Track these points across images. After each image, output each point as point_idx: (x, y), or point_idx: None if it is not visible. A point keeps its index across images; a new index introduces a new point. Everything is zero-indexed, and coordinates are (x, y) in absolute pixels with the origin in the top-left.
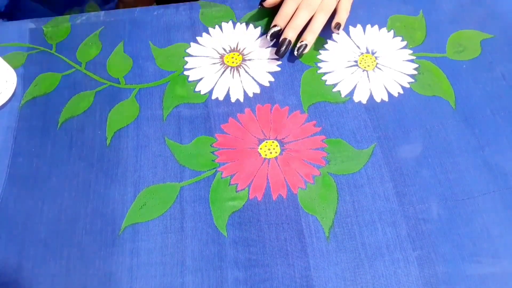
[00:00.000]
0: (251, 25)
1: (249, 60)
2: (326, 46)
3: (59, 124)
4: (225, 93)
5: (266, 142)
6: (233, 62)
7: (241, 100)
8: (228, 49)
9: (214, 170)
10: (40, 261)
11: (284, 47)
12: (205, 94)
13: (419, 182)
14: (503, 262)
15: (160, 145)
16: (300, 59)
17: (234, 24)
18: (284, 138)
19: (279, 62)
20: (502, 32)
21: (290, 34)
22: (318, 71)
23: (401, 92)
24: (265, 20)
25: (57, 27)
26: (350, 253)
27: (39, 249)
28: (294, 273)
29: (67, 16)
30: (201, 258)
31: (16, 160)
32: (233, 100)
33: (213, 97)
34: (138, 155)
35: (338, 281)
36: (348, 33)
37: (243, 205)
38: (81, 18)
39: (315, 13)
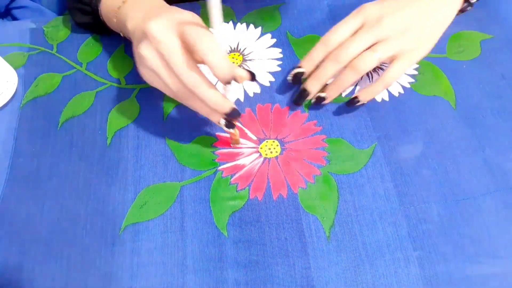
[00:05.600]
0: (251, 25)
1: (249, 60)
2: None
3: (59, 124)
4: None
5: (267, 141)
6: (233, 62)
7: (242, 99)
8: (228, 49)
9: (215, 169)
10: (40, 260)
11: (303, 99)
12: None
13: (420, 182)
14: (504, 262)
15: (161, 144)
16: (301, 59)
17: (235, 24)
18: (284, 138)
19: (280, 62)
20: (502, 32)
21: (312, 88)
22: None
23: (402, 92)
24: (266, 20)
25: (58, 27)
26: (351, 253)
27: (40, 249)
28: (295, 273)
29: (68, 16)
30: (201, 258)
31: (17, 160)
32: (232, 99)
33: None
34: (139, 155)
35: (339, 280)
36: None
37: (244, 205)
38: None
39: (345, 69)
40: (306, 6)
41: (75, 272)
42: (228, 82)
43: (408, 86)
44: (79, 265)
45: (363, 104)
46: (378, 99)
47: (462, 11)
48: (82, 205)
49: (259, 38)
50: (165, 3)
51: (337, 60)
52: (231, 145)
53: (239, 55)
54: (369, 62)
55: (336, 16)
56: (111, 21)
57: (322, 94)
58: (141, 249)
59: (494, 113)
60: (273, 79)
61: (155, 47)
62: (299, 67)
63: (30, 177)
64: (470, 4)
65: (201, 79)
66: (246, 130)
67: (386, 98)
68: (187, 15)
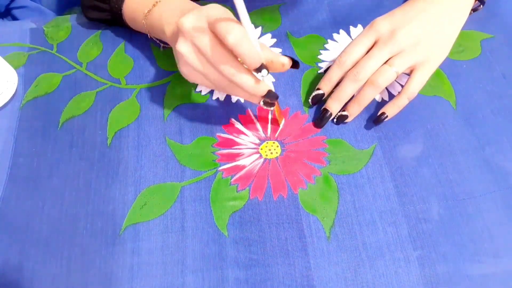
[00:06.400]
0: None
1: None
2: (326, 46)
3: (60, 124)
4: (225, 93)
5: (267, 142)
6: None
7: (242, 100)
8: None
9: (215, 170)
10: (41, 260)
11: (325, 120)
12: (206, 94)
13: (420, 182)
14: (504, 262)
15: (161, 145)
16: (301, 59)
17: None
18: (284, 139)
19: None
20: (502, 32)
21: (333, 107)
22: (319, 71)
23: None
24: (266, 20)
25: (58, 27)
26: (351, 253)
27: (40, 249)
28: (295, 272)
29: (68, 16)
30: (201, 257)
31: (17, 160)
32: (233, 100)
33: (214, 97)
34: (139, 155)
35: (339, 280)
36: (348, 33)
37: (244, 205)
38: (82, 18)
39: (364, 85)
40: (306, 6)
41: (75, 272)
42: (258, 70)
43: None
44: (79, 265)
45: (387, 117)
46: (378, 99)
47: (474, 10)
48: (82, 205)
49: (259, 38)
50: (196, 4)
51: (356, 79)
52: (279, 124)
53: None
54: (387, 77)
55: (336, 16)
56: (139, 23)
57: (344, 113)
58: (141, 249)
59: (495, 113)
60: (273, 80)
61: (190, 41)
62: (318, 88)
63: (30, 177)
64: (482, 2)
65: (236, 67)
66: (246, 131)
67: (386, 98)
68: (217, 10)
